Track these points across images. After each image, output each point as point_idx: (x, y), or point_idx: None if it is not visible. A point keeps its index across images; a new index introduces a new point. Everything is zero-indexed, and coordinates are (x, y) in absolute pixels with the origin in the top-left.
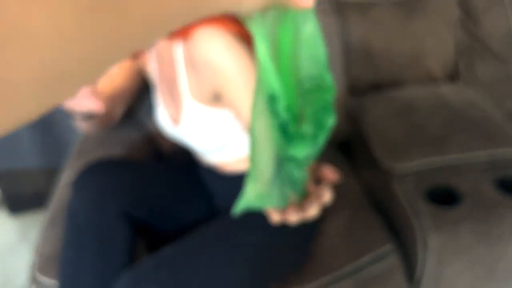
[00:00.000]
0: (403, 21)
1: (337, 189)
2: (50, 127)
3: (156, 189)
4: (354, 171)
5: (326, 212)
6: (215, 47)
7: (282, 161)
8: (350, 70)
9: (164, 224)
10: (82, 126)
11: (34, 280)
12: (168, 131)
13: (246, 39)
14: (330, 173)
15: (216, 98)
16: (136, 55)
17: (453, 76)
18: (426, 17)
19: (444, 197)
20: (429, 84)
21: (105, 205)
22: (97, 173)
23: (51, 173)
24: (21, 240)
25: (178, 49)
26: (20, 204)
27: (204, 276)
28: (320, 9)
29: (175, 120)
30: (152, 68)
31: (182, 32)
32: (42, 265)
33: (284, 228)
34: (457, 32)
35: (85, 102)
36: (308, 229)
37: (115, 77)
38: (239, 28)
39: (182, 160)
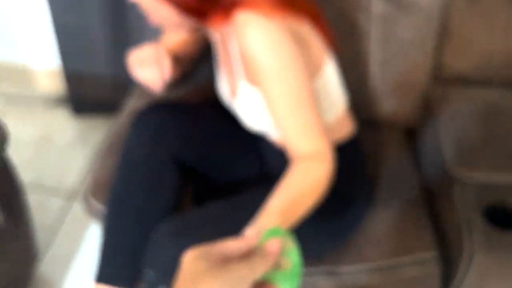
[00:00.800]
0: None
1: (395, 178)
2: (126, 40)
3: (211, 139)
4: (416, 163)
5: (379, 201)
6: (253, 38)
7: None
8: (441, 55)
9: (214, 174)
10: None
11: (85, 200)
12: (226, 100)
13: (289, 13)
14: None
15: None
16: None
17: None
18: None
19: (503, 217)
20: None
21: (158, 148)
22: (155, 115)
23: (118, 83)
24: (79, 142)
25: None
26: (84, 106)
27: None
28: None
29: (233, 93)
30: (216, 37)
31: (226, 15)
32: (94, 189)
33: (329, 211)
34: None
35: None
36: (352, 216)
37: (181, 39)
38: (283, 6)
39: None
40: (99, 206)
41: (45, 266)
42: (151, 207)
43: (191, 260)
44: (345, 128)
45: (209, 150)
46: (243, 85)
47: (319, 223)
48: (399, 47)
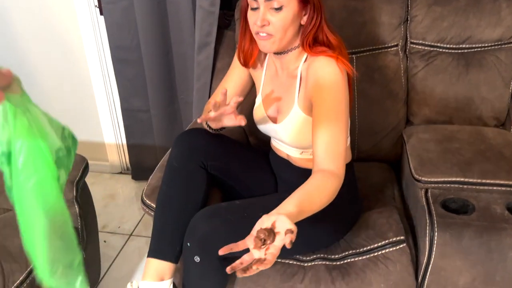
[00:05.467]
0: (461, 70)
1: (379, 192)
2: (175, 117)
3: (233, 159)
4: (394, 180)
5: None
6: (329, 74)
7: None
8: (410, 104)
9: (236, 185)
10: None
11: (142, 201)
12: (264, 127)
13: (349, 76)
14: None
15: (311, 110)
16: (246, 63)
17: (503, 126)
18: (483, 69)
19: (459, 210)
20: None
21: (190, 158)
22: (190, 135)
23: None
24: (135, 199)
25: (302, 64)
26: (140, 173)
27: None
28: (392, 51)
29: (274, 120)
30: (259, 74)
31: (313, 50)
32: (148, 192)
33: (325, 216)
34: None
35: (231, 122)
36: (346, 223)
37: (237, 85)
38: (349, 67)
39: (262, 149)
40: (151, 204)
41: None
42: (187, 201)
43: None
44: (347, 155)
45: (229, 166)
46: (296, 110)
47: (322, 226)
48: (378, 101)
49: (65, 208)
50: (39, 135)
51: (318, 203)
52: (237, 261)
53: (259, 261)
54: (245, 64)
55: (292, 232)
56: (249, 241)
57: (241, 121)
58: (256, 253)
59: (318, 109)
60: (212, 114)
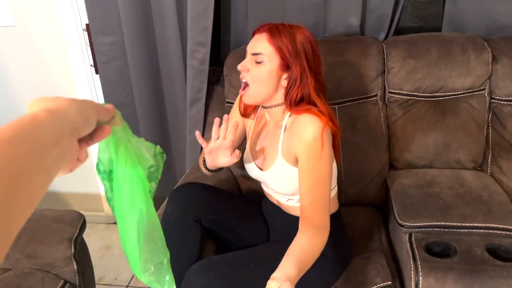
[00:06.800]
0: (438, 117)
1: (367, 238)
2: (169, 166)
3: (226, 211)
4: (381, 224)
5: (355, 253)
6: (312, 131)
7: None
8: (392, 150)
9: (228, 236)
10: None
11: None
12: (252, 173)
13: (333, 133)
14: None
15: (296, 162)
16: (245, 111)
17: (480, 167)
18: (458, 115)
19: (442, 253)
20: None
21: (185, 213)
22: (185, 190)
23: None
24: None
25: (288, 118)
26: None
27: (252, 279)
28: (372, 101)
29: (261, 168)
30: (250, 123)
31: (296, 109)
32: None
33: (317, 264)
34: (488, 131)
35: (226, 159)
36: (337, 270)
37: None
38: (333, 124)
39: (254, 198)
40: None
41: None
42: (183, 255)
43: None
44: (334, 205)
45: (223, 218)
46: (279, 160)
47: (313, 274)
48: (362, 148)
49: (155, 216)
50: (137, 161)
51: (312, 260)
52: None
53: None
54: (244, 111)
55: None
56: None
57: (235, 157)
58: None
59: (303, 166)
60: (213, 143)
